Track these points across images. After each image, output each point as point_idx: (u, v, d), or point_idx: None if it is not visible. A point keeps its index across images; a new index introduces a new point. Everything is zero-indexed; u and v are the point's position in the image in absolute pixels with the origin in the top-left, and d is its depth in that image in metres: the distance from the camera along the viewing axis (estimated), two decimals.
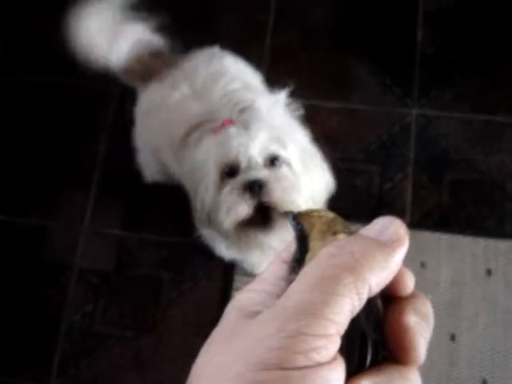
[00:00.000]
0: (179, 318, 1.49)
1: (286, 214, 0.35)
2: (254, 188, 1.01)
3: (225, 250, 1.29)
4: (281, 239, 1.05)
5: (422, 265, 1.48)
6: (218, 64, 1.28)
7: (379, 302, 0.31)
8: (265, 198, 1.01)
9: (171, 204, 1.54)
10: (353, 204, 1.51)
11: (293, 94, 1.51)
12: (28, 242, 1.63)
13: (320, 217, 0.34)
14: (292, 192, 1.03)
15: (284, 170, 1.07)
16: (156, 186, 1.51)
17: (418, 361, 0.31)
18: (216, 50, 1.36)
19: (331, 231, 0.33)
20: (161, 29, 1.64)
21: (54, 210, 1.64)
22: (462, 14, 1.69)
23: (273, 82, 1.40)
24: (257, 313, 0.31)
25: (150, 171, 1.45)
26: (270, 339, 0.28)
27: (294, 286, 0.30)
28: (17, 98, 1.78)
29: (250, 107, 1.18)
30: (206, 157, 1.09)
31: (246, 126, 1.08)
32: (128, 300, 1.54)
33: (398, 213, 1.51)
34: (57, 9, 1.81)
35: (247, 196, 1.02)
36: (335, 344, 0.28)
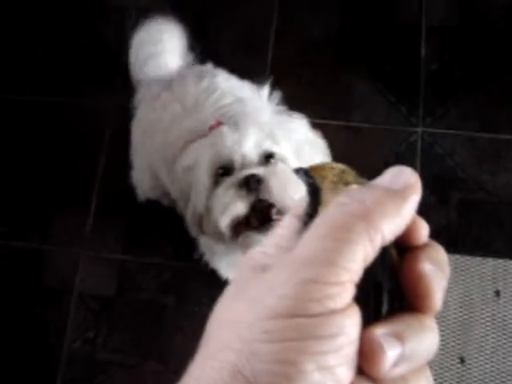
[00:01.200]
0: (184, 344, 1.45)
1: (297, 170, 0.35)
2: (251, 184, 0.96)
3: (225, 266, 1.25)
4: None
5: None
6: (209, 81, 1.26)
7: (394, 252, 0.31)
8: (264, 195, 0.96)
9: (173, 226, 1.51)
10: None
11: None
12: (26, 267, 1.60)
13: (332, 168, 0.34)
14: (292, 187, 0.96)
15: (280, 166, 1.02)
16: (157, 208, 1.47)
17: (435, 308, 0.31)
18: (208, 68, 1.34)
19: (343, 182, 0.33)
20: None
21: (52, 233, 1.61)
22: (467, 30, 1.67)
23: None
24: (269, 266, 0.31)
25: (144, 188, 1.42)
26: (281, 288, 0.28)
27: (306, 236, 0.30)
28: (12, 118, 1.74)
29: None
30: (197, 160, 1.06)
31: (235, 125, 1.05)
32: (130, 326, 1.51)
33: None
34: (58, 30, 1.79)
35: (244, 193, 0.96)
36: (349, 292, 0.28)
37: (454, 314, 1.46)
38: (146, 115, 1.32)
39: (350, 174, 0.34)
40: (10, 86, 1.77)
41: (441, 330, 1.44)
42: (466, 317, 1.46)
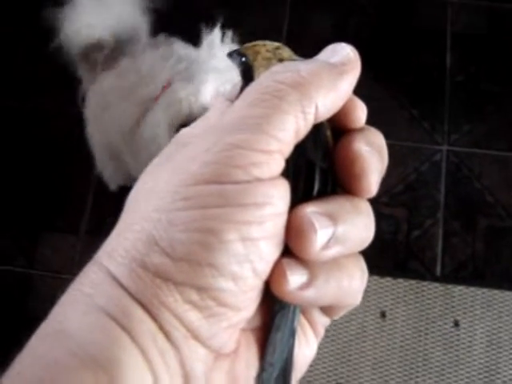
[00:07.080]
0: None
1: (230, 53, 0.33)
2: None
3: None
4: None
5: (455, 323, 1.36)
6: (164, 48, 1.18)
7: (328, 133, 0.29)
8: None
9: None
10: (376, 254, 1.35)
11: None
12: (11, 292, 1.48)
13: (265, 45, 0.32)
14: None
15: None
16: None
17: (370, 191, 0.29)
18: (161, 38, 1.26)
19: (277, 58, 0.31)
20: None
21: (40, 257, 1.50)
22: (495, 39, 1.56)
23: None
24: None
25: (108, 172, 1.36)
26: (204, 154, 0.27)
27: (234, 104, 0.28)
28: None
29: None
30: (155, 128, 0.98)
31: (189, 79, 0.97)
32: None
33: (428, 264, 1.37)
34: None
35: None
36: (278, 163, 0.27)
37: (481, 353, 1.36)
38: (100, 86, 1.22)
39: (285, 51, 0.31)
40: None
41: (466, 372, 1.33)
42: (493, 357, 1.36)
